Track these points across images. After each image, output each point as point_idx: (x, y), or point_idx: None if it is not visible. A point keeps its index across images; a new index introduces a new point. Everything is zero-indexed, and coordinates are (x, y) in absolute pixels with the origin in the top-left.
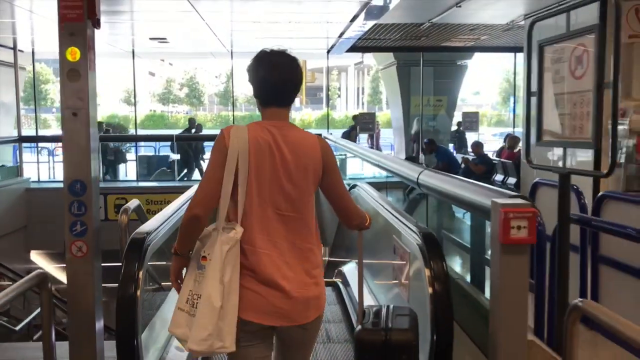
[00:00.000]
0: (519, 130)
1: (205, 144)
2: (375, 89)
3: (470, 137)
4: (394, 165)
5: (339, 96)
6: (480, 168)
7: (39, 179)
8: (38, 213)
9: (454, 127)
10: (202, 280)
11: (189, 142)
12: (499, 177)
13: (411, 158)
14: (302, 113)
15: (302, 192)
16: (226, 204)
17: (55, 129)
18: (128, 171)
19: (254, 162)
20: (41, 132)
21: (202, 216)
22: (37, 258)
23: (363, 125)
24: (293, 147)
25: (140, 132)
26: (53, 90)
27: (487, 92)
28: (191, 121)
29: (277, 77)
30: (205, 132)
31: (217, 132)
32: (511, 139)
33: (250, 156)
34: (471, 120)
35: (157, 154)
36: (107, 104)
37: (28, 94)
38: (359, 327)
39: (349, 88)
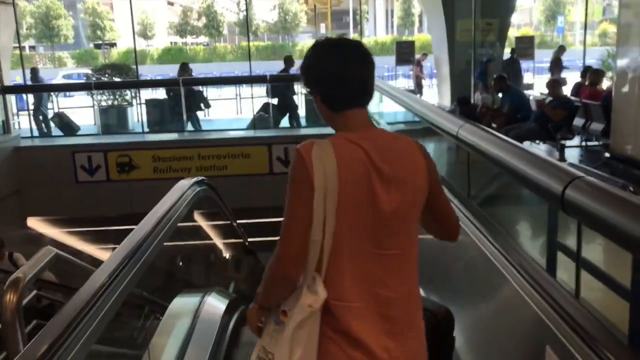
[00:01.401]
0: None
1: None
2: (407, 11)
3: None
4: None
5: (367, 20)
6: (560, 113)
7: (31, 134)
8: (31, 175)
9: (506, 56)
10: (278, 339)
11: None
12: (578, 122)
13: (462, 98)
14: None
15: (407, 221)
16: (316, 253)
17: (72, 67)
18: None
19: (346, 194)
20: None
21: (297, 276)
22: (36, 224)
23: (401, 55)
24: (395, 165)
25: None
26: (66, 25)
27: (524, 9)
28: (288, 60)
29: (355, 68)
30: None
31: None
32: (593, 74)
33: (341, 188)
34: (525, 47)
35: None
36: (125, 39)
37: (40, 31)
38: None
39: (377, 10)
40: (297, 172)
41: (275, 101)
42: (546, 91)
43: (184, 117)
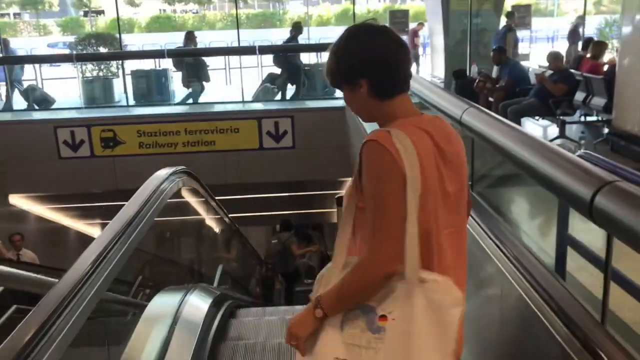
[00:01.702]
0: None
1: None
2: None
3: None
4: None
5: None
6: (561, 88)
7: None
8: (12, 151)
9: (502, 25)
10: (381, 350)
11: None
12: (578, 96)
13: (458, 71)
14: (319, 8)
15: (463, 200)
16: (415, 245)
17: (58, 36)
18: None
19: (426, 181)
20: (39, 40)
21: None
22: (19, 201)
23: (395, 25)
24: (451, 147)
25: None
26: None
27: None
28: (296, 26)
29: (400, 50)
30: (215, 33)
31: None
32: (596, 46)
33: (422, 175)
34: (522, 15)
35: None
36: (113, 7)
37: None
38: None
39: None
40: (385, 165)
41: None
42: (544, 63)
43: (170, 89)
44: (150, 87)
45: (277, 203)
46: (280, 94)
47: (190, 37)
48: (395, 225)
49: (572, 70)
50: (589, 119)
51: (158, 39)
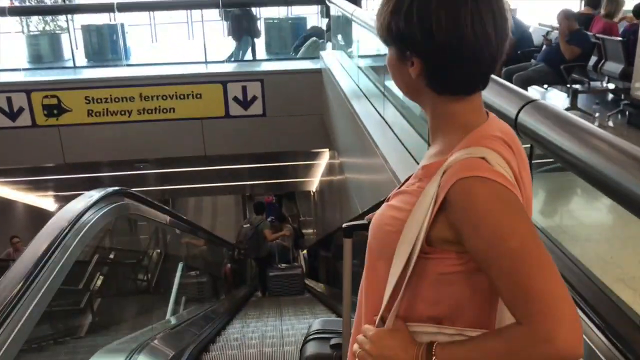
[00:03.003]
0: None
1: None
2: None
3: None
4: None
5: None
6: (575, 50)
7: None
8: None
9: None
10: None
11: None
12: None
13: None
14: None
15: None
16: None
17: None
18: None
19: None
20: None
21: None
22: None
23: None
24: (524, 161)
25: None
26: None
27: None
28: None
29: (503, 25)
30: None
31: None
32: (611, 3)
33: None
34: None
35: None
36: None
37: None
38: None
39: None
40: (513, 206)
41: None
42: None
43: (125, 47)
44: (103, 45)
45: (247, 174)
46: (250, 52)
47: None
48: (560, 281)
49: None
50: (609, 86)
51: None
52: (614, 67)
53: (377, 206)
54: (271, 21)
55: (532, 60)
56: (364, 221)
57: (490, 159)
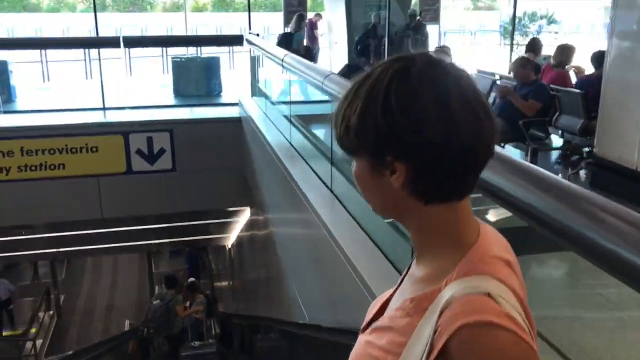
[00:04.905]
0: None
1: None
2: None
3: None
4: None
5: None
6: (535, 105)
7: None
8: None
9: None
10: None
11: None
12: None
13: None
14: None
15: None
16: None
17: None
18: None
19: None
20: None
21: None
22: None
23: (290, 14)
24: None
25: None
26: None
27: None
28: None
29: (490, 125)
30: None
31: None
32: (563, 50)
33: None
34: (430, 8)
35: None
36: None
37: None
38: None
39: None
40: (527, 357)
41: None
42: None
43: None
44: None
45: (152, 233)
46: None
47: None
48: None
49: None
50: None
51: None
52: (571, 121)
53: None
54: (179, 60)
55: None
56: None
57: (496, 294)
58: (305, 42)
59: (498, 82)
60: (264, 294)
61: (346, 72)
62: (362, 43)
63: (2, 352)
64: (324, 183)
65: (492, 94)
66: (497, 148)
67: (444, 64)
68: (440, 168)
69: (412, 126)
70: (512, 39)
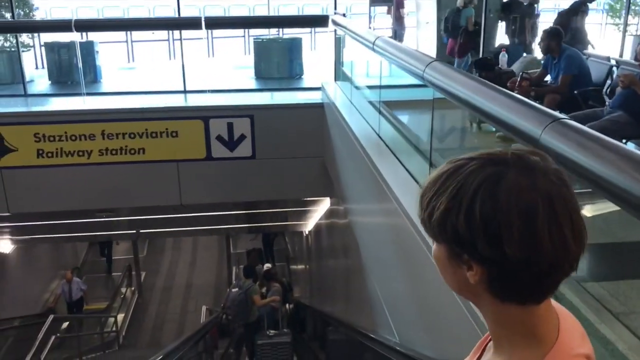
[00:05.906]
0: None
1: None
2: None
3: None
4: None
5: None
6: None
7: None
8: None
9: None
10: None
11: None
12: None
13: (482, 60)
14: None
15: None
16: None
17: None
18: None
19: None
20: None
21: None
22: None
23: None
24: None
25: None
26: None
27: None
28: None
29: (580, 233)
30: None
31: None
32: None
33: None
34: None
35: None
36: None
37: None
38: None
39: None
40: None
41: None
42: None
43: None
44: (69, 65)
45: (229, 219)
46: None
47: None
48: None
49: None
50: None
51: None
52: None
53: None
54: (260, 40)
55: (596, 106)
56: None
57: None
58: (391, 24)
59: (614, 69)
60: (341, 286)
61: (475, 69)
62: (448, 22)
63: (85, 327)
64: (416, 181)
65: (608, 82)
66: (619, 144)
67: (541, 173)
68: (516, 278)
69: (490, 241)
70: (626, 17)
